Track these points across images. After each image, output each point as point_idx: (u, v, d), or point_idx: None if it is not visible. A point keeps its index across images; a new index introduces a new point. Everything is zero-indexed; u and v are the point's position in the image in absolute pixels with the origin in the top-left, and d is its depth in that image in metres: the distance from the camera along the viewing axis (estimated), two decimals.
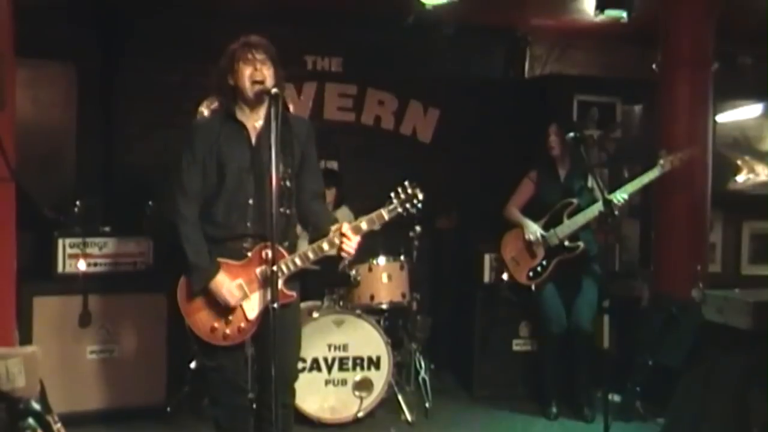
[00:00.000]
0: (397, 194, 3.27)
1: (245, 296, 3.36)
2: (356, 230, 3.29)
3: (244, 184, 3.34)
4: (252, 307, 3.38)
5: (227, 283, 3.33)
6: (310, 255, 3.34)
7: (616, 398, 4.96)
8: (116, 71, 5.65)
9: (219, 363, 3.46)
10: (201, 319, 3.39)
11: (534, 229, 5.01)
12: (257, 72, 3.26)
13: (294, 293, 3.39)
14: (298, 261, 3.33)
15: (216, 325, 3.38)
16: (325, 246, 3.32)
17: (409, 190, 3.27)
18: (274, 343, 3.05)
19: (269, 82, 3.26)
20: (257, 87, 3.25)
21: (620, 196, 4.65)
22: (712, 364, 3.69)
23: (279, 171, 3.07)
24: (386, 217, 3.28)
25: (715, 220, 5.95)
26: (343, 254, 3.35)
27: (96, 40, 5.63)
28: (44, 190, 4.99)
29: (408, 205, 3.27)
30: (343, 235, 3.28)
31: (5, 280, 3.94)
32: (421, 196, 3.26)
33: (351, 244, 3.29)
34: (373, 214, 3.29)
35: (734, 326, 3.53)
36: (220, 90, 3.41)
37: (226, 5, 4.86)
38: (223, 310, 3.36)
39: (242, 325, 3.38)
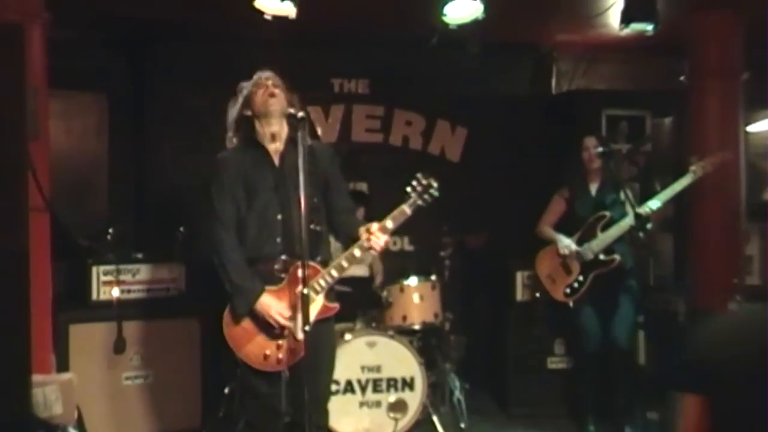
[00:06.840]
0: (414, 188, 3.34)
1: (293, 317, 3.37)
2: (383, 230, 3.34)
3: (271, 203, 3.41)
4: (299, 327, 3.38)
5: (275, 305, 3.35)
6: (344, 264, 3.38)
7: (654, 416, 4.88)
8: (146, 99, 5.74)
9: (257, 388, 3.48)
10: (252, 350, 3.41)
11: (567, 243, 4.95)
12: (269, 91, 3.39)
13: (337, 304, 3.47)
14: (334, 272, 3.39)
15: (268, 351, 3.40)
16: (357, 252, 3.37)
17: (424, 181, 3.34)
18: (307, 365, 3.10)
19: (282, 100, 3.37)
20: (274, 103, 3.37)
21: (652, 205, 4.58)
22: None
23: (307, 190, 3.12)
24: (408, 211, 3.35)
25: (752, 231, 5.84)
26: (372, 251, 3.41)
27: (126, 69, 5.74)
28: (78, 219, 5.05)
29: (426, 196, 3.33)
30: (370, 234, 3.34)
31: (41, 309, 3.99)
32: (435, 184, 3.33)
33: (378, 241, 3.34)
34: (396, 212, 3.36)
35: None
36: (237, 126, 3.49)
37: (252, 31, 4.92)
38: (273, 335, 3.39)
39: (293, 346, 3.39)
